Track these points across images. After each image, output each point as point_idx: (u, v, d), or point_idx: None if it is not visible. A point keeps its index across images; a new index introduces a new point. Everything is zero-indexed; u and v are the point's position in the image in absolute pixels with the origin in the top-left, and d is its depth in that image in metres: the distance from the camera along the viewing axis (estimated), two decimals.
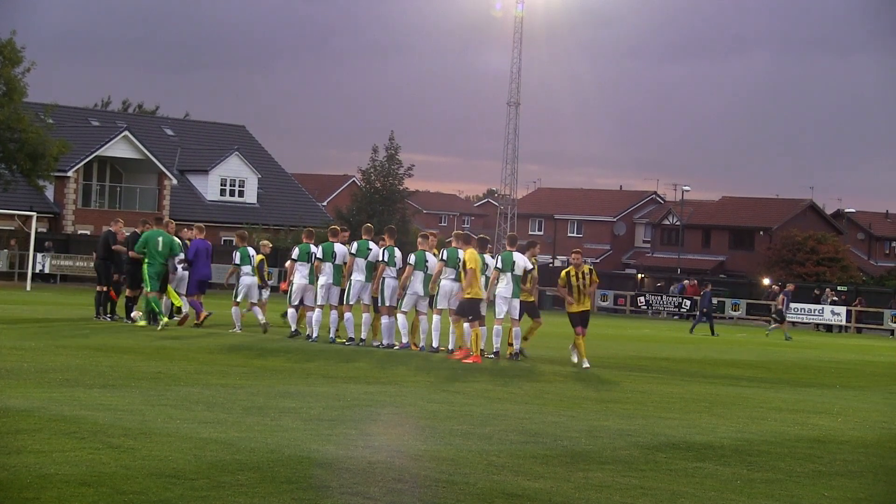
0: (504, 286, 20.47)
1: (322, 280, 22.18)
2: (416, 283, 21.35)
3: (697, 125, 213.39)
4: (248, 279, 24.08)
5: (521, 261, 20.70)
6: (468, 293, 20.46)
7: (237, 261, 24.15)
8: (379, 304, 21.82)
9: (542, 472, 9.58)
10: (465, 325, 20.54)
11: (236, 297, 24.07)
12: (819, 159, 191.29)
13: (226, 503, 7.86)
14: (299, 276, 22.92)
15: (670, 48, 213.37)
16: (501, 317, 20.59)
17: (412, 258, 21.42)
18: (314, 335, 22.31)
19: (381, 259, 21.56)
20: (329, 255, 22.17)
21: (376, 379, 16.19)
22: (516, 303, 20.68)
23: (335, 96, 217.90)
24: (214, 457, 9.28)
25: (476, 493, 8.61)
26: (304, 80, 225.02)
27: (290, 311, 23.28)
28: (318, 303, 22.40)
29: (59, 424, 10.34)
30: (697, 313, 43.14)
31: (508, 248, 20.98)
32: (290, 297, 23.15)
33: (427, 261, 21.44)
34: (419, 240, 22.06)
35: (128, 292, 24.58)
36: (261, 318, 23.95)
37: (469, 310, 20.51)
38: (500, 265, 20.50)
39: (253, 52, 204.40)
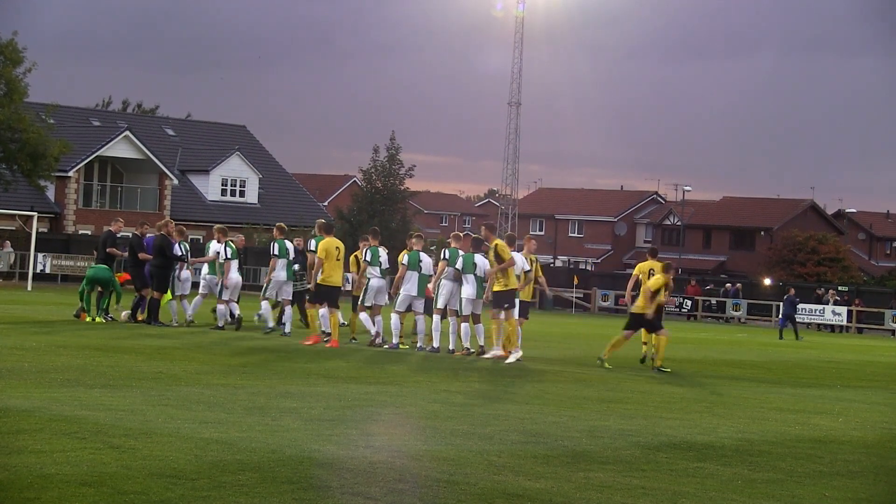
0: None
1: (276, 276, 23.15)
2: (410, 284, 21.47)
3: (698, 125, 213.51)
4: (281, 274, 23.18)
5: (520, 260, 20.73)
6: (322, 280, 21.14)
7: (312, 247, 22.49)
8: (359, 303, 22.30)
9: (542, 473, 9.58)
10: (322, 310, 21.40)
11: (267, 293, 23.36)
12: (820, 159, 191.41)
13: (226, 503, 7.87)
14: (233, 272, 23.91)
15: (671, 48, 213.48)
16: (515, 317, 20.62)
17: (405, 258, 21.53)
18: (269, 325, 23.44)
19: (364, 259, 22.00)
20: (283, 252, 23.18)
21: (377, 379, 16.20)
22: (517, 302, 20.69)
23: (336, 96, 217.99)
24: (215, 457, 9.28)
25: (477, 494, 8.61)
26: (304, 80, 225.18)
27: (264, 303, 23.93)
28: (266, 297, 23.48)
29: (60, 424, 10.34)
30: (781, 318, 43.13)
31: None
32: (231, 294, 23.96)
33: (421, 261, 21.53)
34: (413, 240, 22.13)
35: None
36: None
37: (323, 296, 21.29)
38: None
39: (253, 52, 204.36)
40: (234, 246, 24.02)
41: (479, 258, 21.01)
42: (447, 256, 21.09)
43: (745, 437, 12.45)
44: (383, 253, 22.11)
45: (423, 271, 21.49)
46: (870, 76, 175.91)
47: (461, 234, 22.17)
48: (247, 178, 70.87)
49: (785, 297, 42.49)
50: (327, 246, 21.23)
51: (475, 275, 20.78)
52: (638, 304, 20.26)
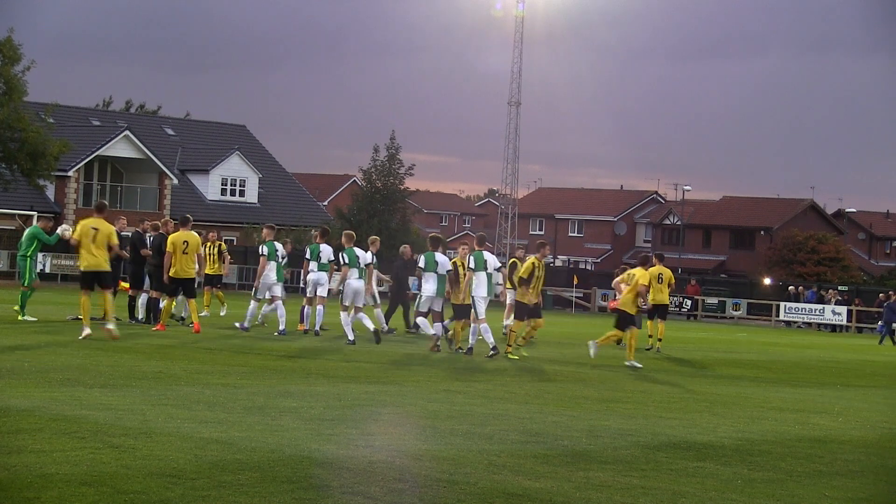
0: (478, 285, 20.89)
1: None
2: (429, 284, 22.22)
3: (698, 125, 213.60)
4: (354, 283, 22.53)
5: (492, 259, 21.32)
6: (173, 273, 22.47)
7: (346, 261, 22.60)
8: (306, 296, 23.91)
9: (542, 472, 9.58)
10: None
11: (343, 301, 22.73)
12: (820, 159, 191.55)
13: (226, 503, 7.86)
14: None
15: (671, 49, 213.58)
16: (483, 315, 20.98)
17: (422, 260, 22.48)
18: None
19: (311, 257, 23.69)
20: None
21: (377, 378, 16.20)
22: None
23: (336, 96, 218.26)
24: (215, 456, 9.28)
25: (477, 493, 8.61)
26: (304, 80, 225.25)
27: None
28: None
29: (60, 424, 10.34)
30: (882, 324, 43.61)
31: (477, 248, 21.46)
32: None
33: (438, 262, 22.29)
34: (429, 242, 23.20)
35: (130, 292, 24.74)
36: (369, 324, 22.93)
37: (167, 286, 22.87)
38: (472, 265, 20.99)
39: (253, 52, 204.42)
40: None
41: (440, 256, 22.06)
42: (346, 260, 22.27)
43: (745, 436, 12.45)
44: (326, 248, 23.48)
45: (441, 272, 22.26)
46: (869, 76, 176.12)
47: (352, 234, 23.41)
48: (247, 178, 70.83)
49: (885, 303, 43.22)
50: (174, 239, 22.59)
51: (437, 273, 21.91)
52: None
